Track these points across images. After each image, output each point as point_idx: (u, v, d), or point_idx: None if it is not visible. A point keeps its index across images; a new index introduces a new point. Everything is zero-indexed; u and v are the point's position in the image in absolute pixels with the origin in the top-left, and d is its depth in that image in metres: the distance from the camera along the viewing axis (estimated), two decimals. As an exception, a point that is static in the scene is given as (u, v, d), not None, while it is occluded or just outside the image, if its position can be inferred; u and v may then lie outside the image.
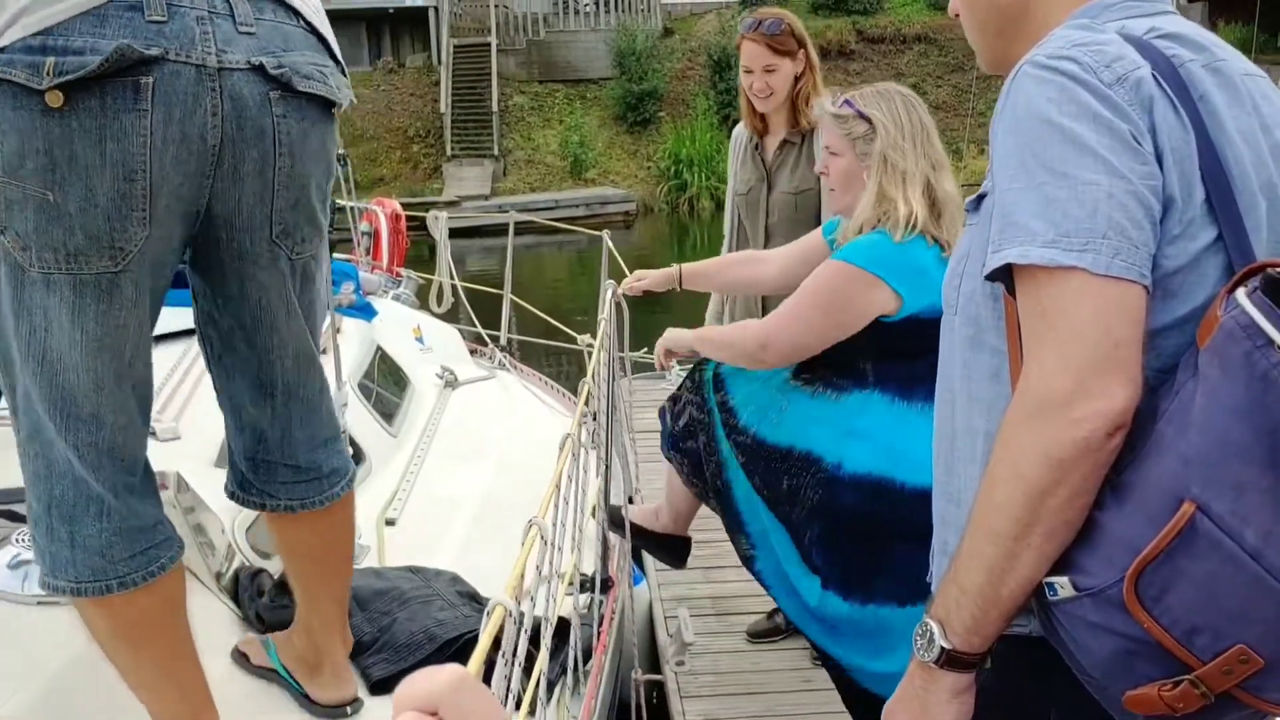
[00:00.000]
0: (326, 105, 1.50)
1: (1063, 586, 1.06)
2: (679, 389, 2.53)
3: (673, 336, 2.53)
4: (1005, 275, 1.11)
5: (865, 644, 2.38)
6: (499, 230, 13.15)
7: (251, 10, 1.42)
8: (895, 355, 2.30)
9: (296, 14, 1.46)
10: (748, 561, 2.44)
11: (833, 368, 2.37)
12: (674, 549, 2.70)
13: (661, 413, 2.57)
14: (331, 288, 2.51)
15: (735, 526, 2.43)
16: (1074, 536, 1.06)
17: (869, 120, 2.34)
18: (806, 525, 2.32)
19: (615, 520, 2.49)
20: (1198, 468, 0.97)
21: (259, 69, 1.40)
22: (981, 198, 1.20)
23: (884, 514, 2.27)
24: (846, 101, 2.39)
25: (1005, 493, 1.07)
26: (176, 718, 1.59)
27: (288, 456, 1.68)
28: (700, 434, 2.42)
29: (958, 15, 1.34)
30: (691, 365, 2.56)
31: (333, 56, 1.54)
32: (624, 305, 2.35)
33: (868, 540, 2.29)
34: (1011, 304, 1.12)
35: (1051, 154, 1.06)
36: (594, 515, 2.36)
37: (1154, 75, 1.09)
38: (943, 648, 1.13)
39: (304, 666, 1.86)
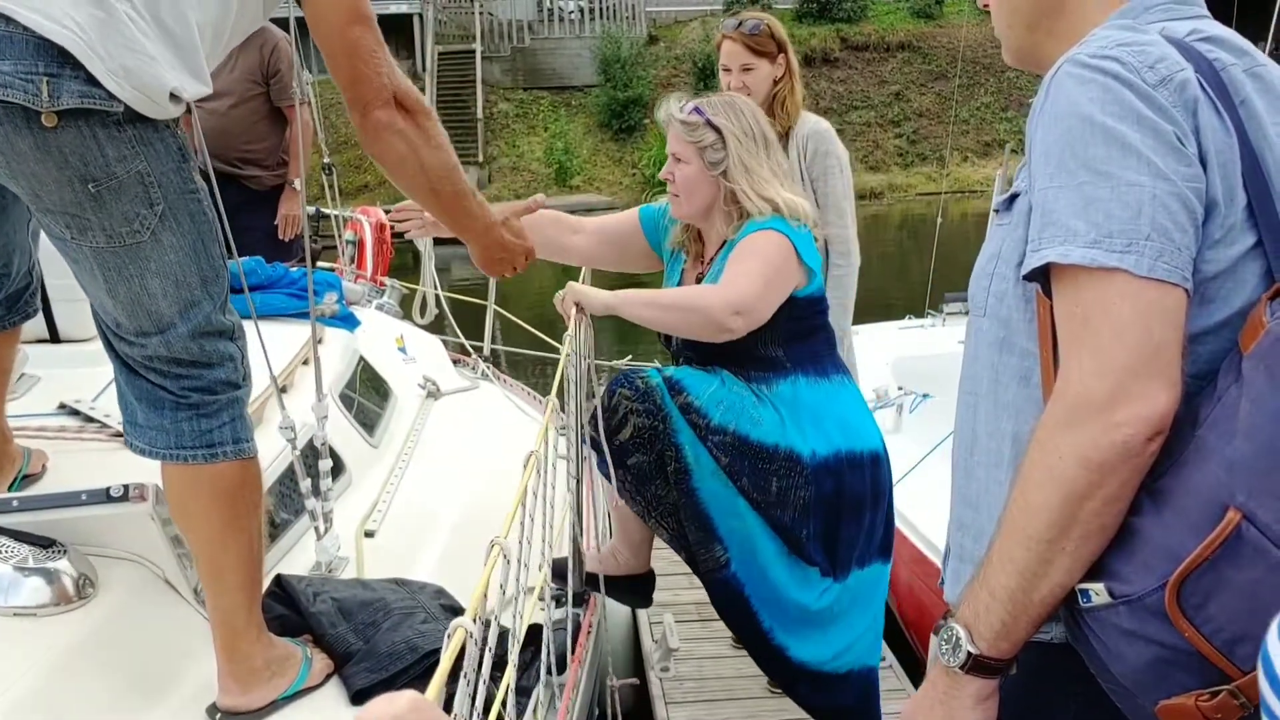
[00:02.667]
0: (29, 111, 1.54)
1: (1097, 593, 1.05)
2: (610, 401, 2.30)
3: (585, 293, 2.32)
4: (1041, 275, 1.10)
5: (830, 628, 2.40)
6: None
7: None
8: (799, 337, 2.34)
9: (12, 22, 1.53)
10: (719, 568, 2.36)
11: (752, 361, 2.35)
12: (638, 589, 2.59)
13: (591, 438, 2.34)
14: (314, 297, 2.51)
15: (706, 538, 2.34)
16: (1109, 542, 1.05)
17: (718, 130, 2.32)
18: (802, 524, 2.32)
19: (559, 573, 2.30)
20: (1243, 475, 0.96)
21: None
22: (1014, 197, 1.19)
23: (857, 485, 2.35)
24: (696, 109, 2.36)
25: (1041, 496, 1.06)
26: None
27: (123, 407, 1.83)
28: (653, 444, 2.29)
29: (986, 6, 1.32)
30: (617, 377, 2.36)
31: (75, 64, 1.55)
32: (589, 322, 2.32)
33: (850, 515, 2.36)
34: (1045, 305, 1.12)
35: (1094, 154, 1.06)
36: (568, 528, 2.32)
37: (1198, 77, 1.08)
38: (970, 653, 1.11)
39: None
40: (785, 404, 2.33)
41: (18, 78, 1.52)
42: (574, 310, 2.30)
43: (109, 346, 1.79)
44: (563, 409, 2.21)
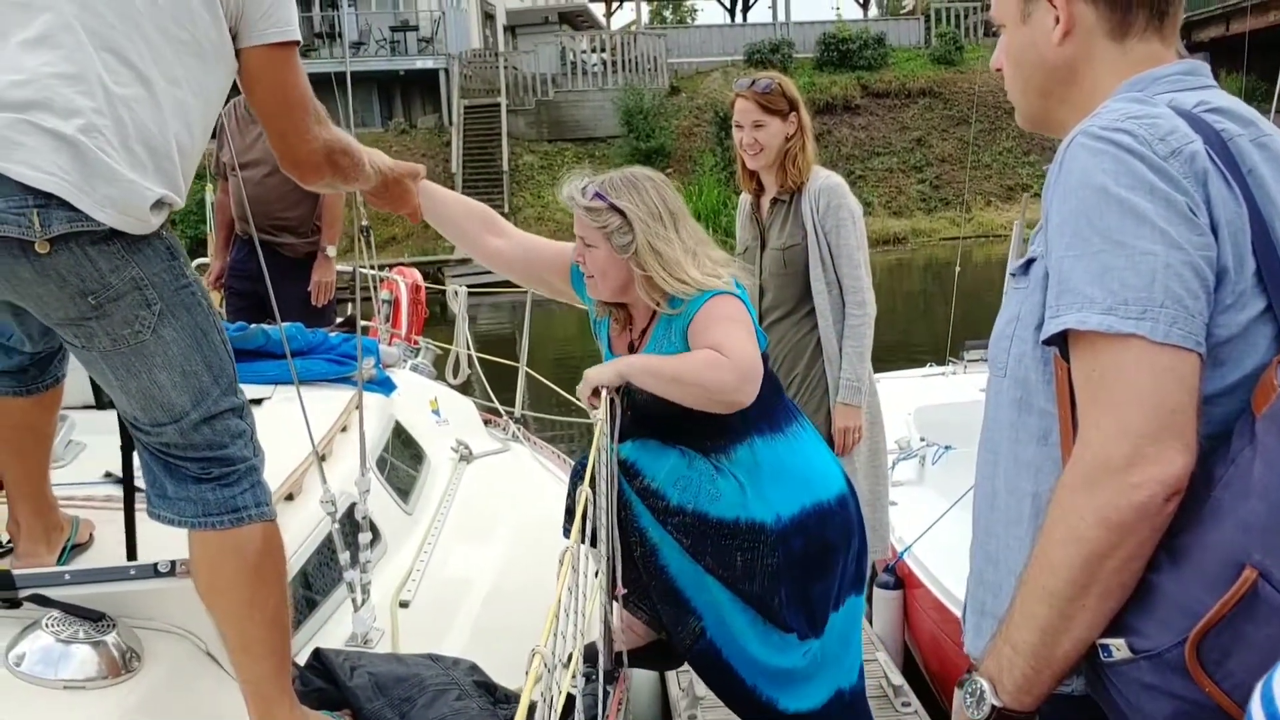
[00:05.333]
0: (24, 242, 1.63)
1: (1118, 648, 1.08)
2: (572, 494, 2.28)
3: (594, 375, 2.30)
4: (1059, 340, 1.14)
5: (815, 677, 2.38)
6: (508, 284, 13.26)
7: None
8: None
9: (3, 177, 1.61)
10: (696, 638, 2.34)
11: (708, 432, 2.31)
12: (663, 653, 2.55)
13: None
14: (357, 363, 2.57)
15: (680, 613, 2.33)
16: (1128, 598, 1.08)
17: (622, 213, 2.29)
18: (773, 592, 2.31)
19: (591, 656, 2.22)
20: (1259, 534, 0.99)
21: None
22: (1030, 262, 1.23)
23: (826, 535, 2.33)
24: (598, 194, 2.32)
25: (1062, 554, 1.09)
26: None
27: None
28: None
29: (1000, 70, 1.37)
30: (575, 467, 2.27)
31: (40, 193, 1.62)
32: (617, 402, 2.30)
33: (822, 568, 2.34)
34: (1063, 368, 1.15)
35: (1108, 223, 1.09)
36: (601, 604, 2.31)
37: (1206, 149, 1.12)
38: (993, 706, 1.15)
39: None
40: (745, 471, 2.31)
41: (10, 213, 1.62)
42: (593, 397, 2.27)
43: (134, 434, 1.88)
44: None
